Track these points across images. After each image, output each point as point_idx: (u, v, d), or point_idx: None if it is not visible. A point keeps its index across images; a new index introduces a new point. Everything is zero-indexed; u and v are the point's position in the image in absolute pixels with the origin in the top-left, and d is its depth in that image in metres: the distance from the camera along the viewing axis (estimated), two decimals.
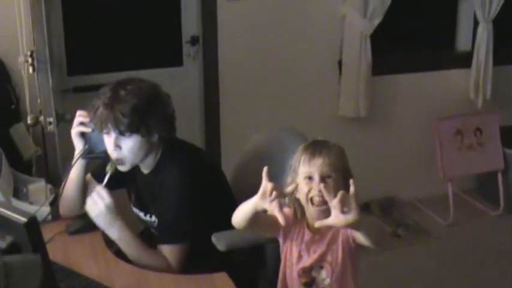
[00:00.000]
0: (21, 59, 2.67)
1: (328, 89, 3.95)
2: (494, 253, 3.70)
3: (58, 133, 2.64)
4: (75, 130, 2.17)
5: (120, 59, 3.56)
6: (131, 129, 2.01)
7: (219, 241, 2.10)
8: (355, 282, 1.90)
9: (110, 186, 2.23)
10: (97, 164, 2.27)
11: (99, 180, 2.20)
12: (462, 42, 4.34)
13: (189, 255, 2.12)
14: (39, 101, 2.60)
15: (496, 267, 3.54)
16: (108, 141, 2.06)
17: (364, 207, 3.93)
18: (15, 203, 2.27)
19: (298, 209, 1.87)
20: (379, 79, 3.99)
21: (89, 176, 2.28)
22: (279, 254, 1.99)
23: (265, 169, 1.70)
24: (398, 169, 4.23)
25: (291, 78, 3.84)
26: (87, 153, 2.18)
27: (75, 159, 2.19)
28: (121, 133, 2.02)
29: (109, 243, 2.14)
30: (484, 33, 4.09)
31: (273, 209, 1.69)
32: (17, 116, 3.01)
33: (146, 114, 2.02)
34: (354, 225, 1.67)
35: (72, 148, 2.21)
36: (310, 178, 1.79)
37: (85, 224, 2.18)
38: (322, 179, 1.77)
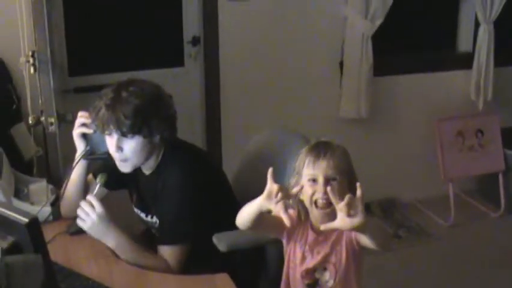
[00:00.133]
0: (22, 59, 2.67)
1: (329, 90, 3.95)
2: (495, 254, 3.70)
3: (59, 133, 2.63)
4: (76, 131, 2.17)
5: (121, 60, 3.56)
6: (133, 130, 2.01)
7: (220, 242, 2.10)
8: (358, 284, 1.89)
9: (111, 187, 2.23)
10: (99, 164, 2.27)
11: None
12: (463, 43, 4.35)
13: (190, 255, 2.12)
14: (40, 101, 2.60)
15: (497, 268, 3.54)
16: (110, 142, 2.06)
17: (365, 209, 3.91)
18: (16, 203, 2.26)
19: (302, 211, 1.86)
20: (380, 80, 3.99)
21: (90, 176, 2.28)
22: (280, 255, 1.99)
23: (270, 170, 1.69)
24: (399, 170, 4.23)
25: (292, 78, 3.84)
26: (89, 155, 2.18)
27: (76, 161, 2.19)
28: (123, 134, 2.02)
29: None
30: (485, 34, 4.09)
31: (278, 210, 1.69)
32: (18, 116, 3.01)
33: (148, 116, 2.02)
34: (360, 229, 1.66)
35: (73, 149, 2.21)
36: (314, 180, 1.78)
37: None
38: (327, 181, 1.77)
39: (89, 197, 2.06)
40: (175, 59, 3.70)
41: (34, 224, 1.51)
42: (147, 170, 2.18)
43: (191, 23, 3.66)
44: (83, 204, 2.04)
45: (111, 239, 2.05)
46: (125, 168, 2.11)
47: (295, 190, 1.73)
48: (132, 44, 3.60)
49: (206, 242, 2.10)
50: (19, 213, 1.53)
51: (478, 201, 4.32)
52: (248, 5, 3.63)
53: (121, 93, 2.01)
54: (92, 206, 2.03)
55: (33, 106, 2.77)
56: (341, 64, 3.92)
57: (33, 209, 2.20)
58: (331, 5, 3.82)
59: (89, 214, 2.03)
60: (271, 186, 1.68)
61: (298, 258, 1.89)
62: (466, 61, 4.21)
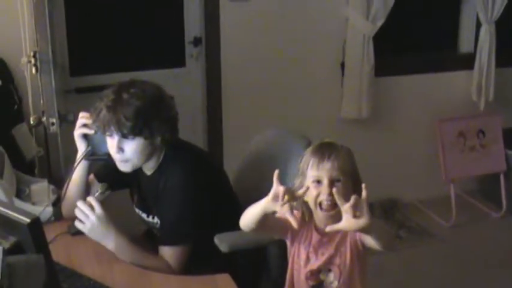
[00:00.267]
0: (24, 59, 2.67)
1: (330, 90, 3.95)
2: (497, 254, 3.69)
3: (60, 134, 2.63)
4: (77, 132, 2.17)
5: (122, 60, 3.57)
6: (134, 132, 2.00)
7: (222, 242, 2.10)
8: (363, 285, 1.89)
9: (112, 187, 2.23)
10: (100, 165, 2.27)
11: (102, 181, 2.20)
12: (464, 44, 4.34)
13: (191, 255, 2.11)
14: (41, 101, 2.60)
15: (499, 268, 3.54)
16: (111, 143, 2.06)
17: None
18: (18, 203, 2.26)
19: (307, 212, 1.85)
20: (381, 81, 3.99)
21: (91, 177, 2.28)
22: (281, 255, 1.99)
23: (276, 173, 1.69)
24: (400, 171, 4.23)
25: (294, 79, 3.84)
26: (90, 155, 2.18)
27: (77, 161, 2.19)
28: (124, 136, 2.02)
29: None
30: (487, 34, 4.09)
31: (284, 212, 1.68)
32: (19, 116, 3.02)
33: (149, 117, 2.01)
34: (365, 230, 1.66)
35: (74, 149, 2.21)
36: (319, 182, 1.77)
37: None
38: (331, 183, 1.76)
39: (89, 199, 2.06)
40: (177, 59, 3.70)
41: (36, 224, 1.51)
42: (148, 171, 2.18)
43: (192, 23, 3.66)
44: (81, 205, 2.04)
45: (110, 241, 2.05)
46: (125, 168, 2.11)
47: (300, 192, 1.71)
48: (133, 44, 3.60)
49: (207, 243, 2.10)
50: (21, 213, 1.53)
51: (480, 202, 4.32)
52: (249, 5, 3.63)
53: (122, 95, 2.00)
54: (91, 207, 2.03)
55: (34, 106, 2.77)
56: (342, 65, 3.92)
57: (35, 209, 2.20)
58: (332, 6, 3.82)
59: (89, 216, 2.03)
60: (277, 188, 1.67)
61: (302, 260, 1.89)
62: (467, 61, 4.21)
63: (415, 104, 4.20)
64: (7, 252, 1.48)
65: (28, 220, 1.49)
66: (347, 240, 1.84)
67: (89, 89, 3.33)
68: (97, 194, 2.13)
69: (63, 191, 2.23)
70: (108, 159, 2.13)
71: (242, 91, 3.73)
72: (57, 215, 2.27)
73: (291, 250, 1.92)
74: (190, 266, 2.10)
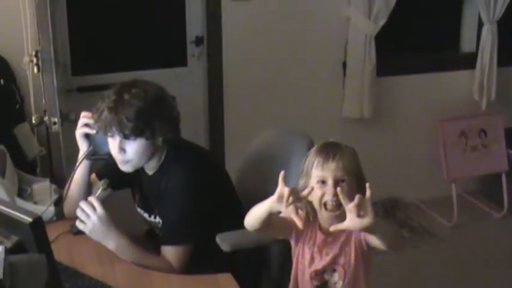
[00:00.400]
0: (26, 59, 2.67)
1: (332, 90, 3.95)
2: (498, 254, 3.69)
3: (62, 133, 2.63)
4: (79, 131, 2.17)
5: (124, 59, 3.57)
6: (136, 133, 2.00)
7: (224, 242, 2.10)
8: (367, 285, 1.89)
9: (114, 187, 2.23)
10: (101, 164, 2.27)
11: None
12: (466, 44, 4.34)
13: (192, 255, 2.11)
14: (43, 101, 2.60)
15: (500, 268, 3.54)
16: (113, 144, 2.06)
17: None
18: (20, 203, 2.26)
19: (311, 212, 1.85)
20: (383, 80, 3.99)
21: (93, 176, 2.28)
22: (283, 255, 1.99)
23: (281, 174, 1.68)
24: (402, 170, 4.22)
25: (295, 79, 3.84)
26: (91, 155, 2.18)
27: (79, 161, 2.19)
28: (126, 137, 2.01)
29: None
30: (489, 34, 4.09)
31: (289, 213, 1.69)
32: (21, 116, 3.02)
33: (151, 118, 2.01)
34: (369, 229, 1.66)
35: (76, 148, 2.21)
36: (323, 182, 1.77)
37: None
38: (336, 183, 1.76)
39: (91, 199, 2.06)
40: (179, 59, 3.70)
41: (38, 224, 1.51)
42: (150, 170, 2.18)
43: (194, 23, 3.66)
44: (83, 205, 2.04)
45: (111, 241, 2.04)
46: (126, 168, 2.11)
47: (305, 193, 1.71)
48: (135, 43, 3.60)
49: (209, 242, 2.10)
50: (23, 212, 1.53)
51: (481, 202, 4.32)
52: (251, 5, 3.63)
53: (123, 96, 2.00)
54: (93, 207, 2.03)
55: (36, 106, 2.77)
56: (344, 64, 3.92)
57: (37, 209, 2.20)
58: (334, 6, 3.82)
59: (90, 216, 2.02)
60: (282, 188, 1.67)
61: (307, 260, 1.88)
62: (469, 61, 4.21)
63: (417, 103, 4.20)
64: (9, 251, 1.48)
65: (30, 219, 1.49)
66: (352, 240, 1.83)
67: (91, 88, 3.34)
68: (99, 191, 2.13)
69: (65, 191, 2.23)
70: (110, 159, 2.13)
71: (244, 90, 3.73)
72: (59, 215, 2.27)
73: (295, 250, 1.92)
74: (192, 266, 2.10)
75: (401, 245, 3.58)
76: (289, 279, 1.97)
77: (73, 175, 2.21)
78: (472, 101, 4.22)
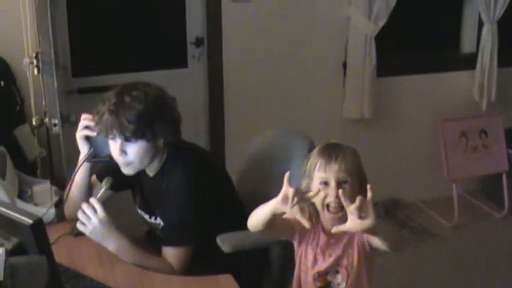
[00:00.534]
0: (26, 60, 2.67)
1: (332, 90, 3.95)
2: (499, 255, 3.69)
3: (63, 134, 2.64)
4: (80, 134, 2.17)
5: (124, 61, 3.57)
6: (137, 135, 2.00)
7: (224, 243, 2.09)
8: (370, 286, 1.89)
9: (115, 188, 2.23)
10: (102, 166, 2.27)
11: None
12: (467, 44, 4.34)
13: (193, 256, 2.11)
14: (44, 102, 2.60)
15: (501, 268, 3.54)
16: (114, 146, 2.06)
17: None
18: (20, 204, 2.26)
19: (314, 213, 1.84)
20: (383, 81, 3.99)
21: (94, 177, 2.28)
22: (284, 256, 1.99)
23: (287, 174, 1.68)
24: (402, 171, 4.22)
25: (296, 79, 3.84)
26: (92, 157, 2.18)
27: (79, 164, 2.19)
28: (127, 139, 2.01)
29: None
30: (489, 34, 4.09)
31: (294, 214, 1.68)
32: (21, 117, 3.02)
33: (152, 120, 2.01)
34: (371, 230, 1.66)
35: (77, 150, 2.21)
36: (326, 184, 1.77)
37: None
38: (339, 184, 1.75)
39: (92, 200, 2.06)
40: (179, 60, 3.70)
41: (38, 225, 1.51)
42: (151, 172, 2.18)
43: (194, 24, 3.66)
44: (85, 207, 2.04)
45: (112, 242, 2.05)
46: (127, 171, 2.11)
47: (311, 194, 1.71)
48: (135, 45, 3.61)
49: (210, 243, 2.10)
50: (23, 214, 1.53)
51: (482, 202, 4.32)
52: (251, 5, 3.63)
53: (124, 98, 2.00)
54: (94, 209, 2.03)
55: (36, 107, 2.77)
56: (344, 65, 3.92)
57: (37, 210, 2.20)
58: (334, 6, 3.82)
59: (91, 218, 2.03)
60: (286, 189, 1.66)
61: (310, 261, 1.88)
62: (469, 61, 4.21)
63: (417, 104, 4.20)
64: (10, 253, 1.48)
65: (31, 221, 1.49)
66: (354, 241, 1.83)
67: (91, 89, 3.34)
68: (102, 189, 2.13)
69: (66, 193, 2.23)
70: (110, 161, 2.13)
71: (244, 91, 3.73)
72: (60, 216, 2.27)
73: (298, 251, 1.91)
74: (193, 267, 2.10)
75: (404, 245, 3.59)
76: (290, 280, 1.97)
77: (73, 177, 2.21)
78: (473, 102, 4.21)
